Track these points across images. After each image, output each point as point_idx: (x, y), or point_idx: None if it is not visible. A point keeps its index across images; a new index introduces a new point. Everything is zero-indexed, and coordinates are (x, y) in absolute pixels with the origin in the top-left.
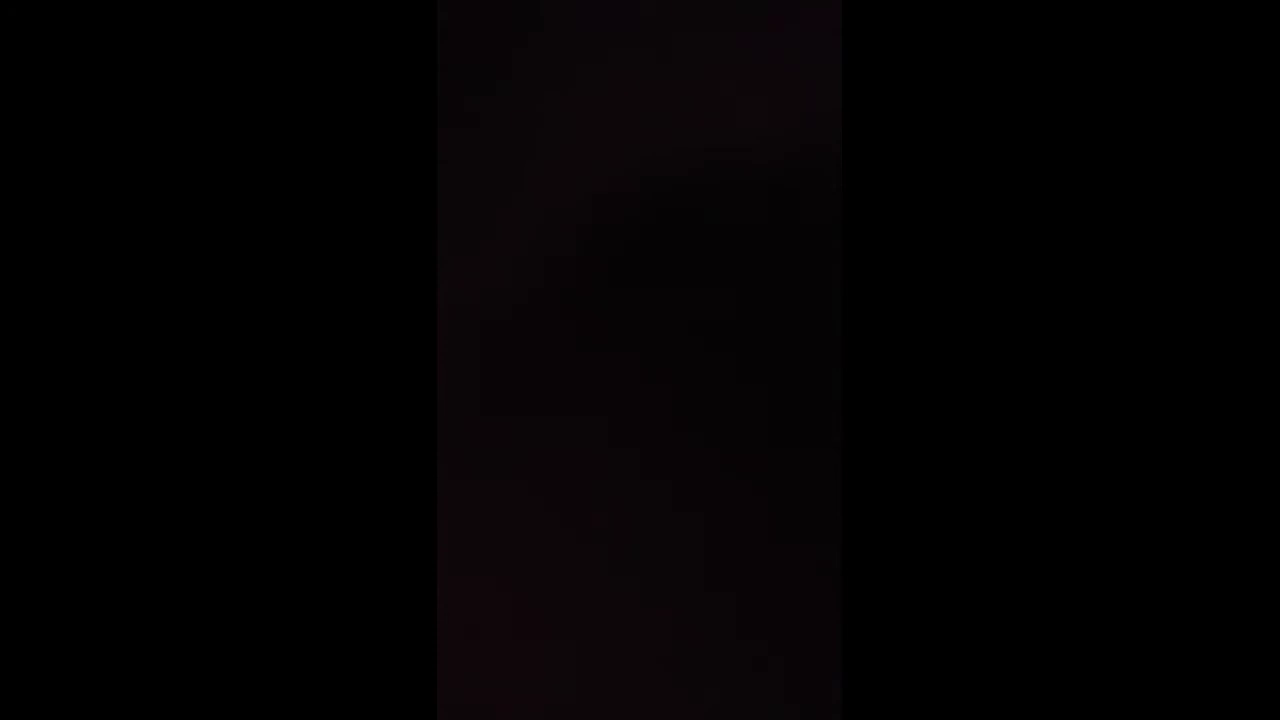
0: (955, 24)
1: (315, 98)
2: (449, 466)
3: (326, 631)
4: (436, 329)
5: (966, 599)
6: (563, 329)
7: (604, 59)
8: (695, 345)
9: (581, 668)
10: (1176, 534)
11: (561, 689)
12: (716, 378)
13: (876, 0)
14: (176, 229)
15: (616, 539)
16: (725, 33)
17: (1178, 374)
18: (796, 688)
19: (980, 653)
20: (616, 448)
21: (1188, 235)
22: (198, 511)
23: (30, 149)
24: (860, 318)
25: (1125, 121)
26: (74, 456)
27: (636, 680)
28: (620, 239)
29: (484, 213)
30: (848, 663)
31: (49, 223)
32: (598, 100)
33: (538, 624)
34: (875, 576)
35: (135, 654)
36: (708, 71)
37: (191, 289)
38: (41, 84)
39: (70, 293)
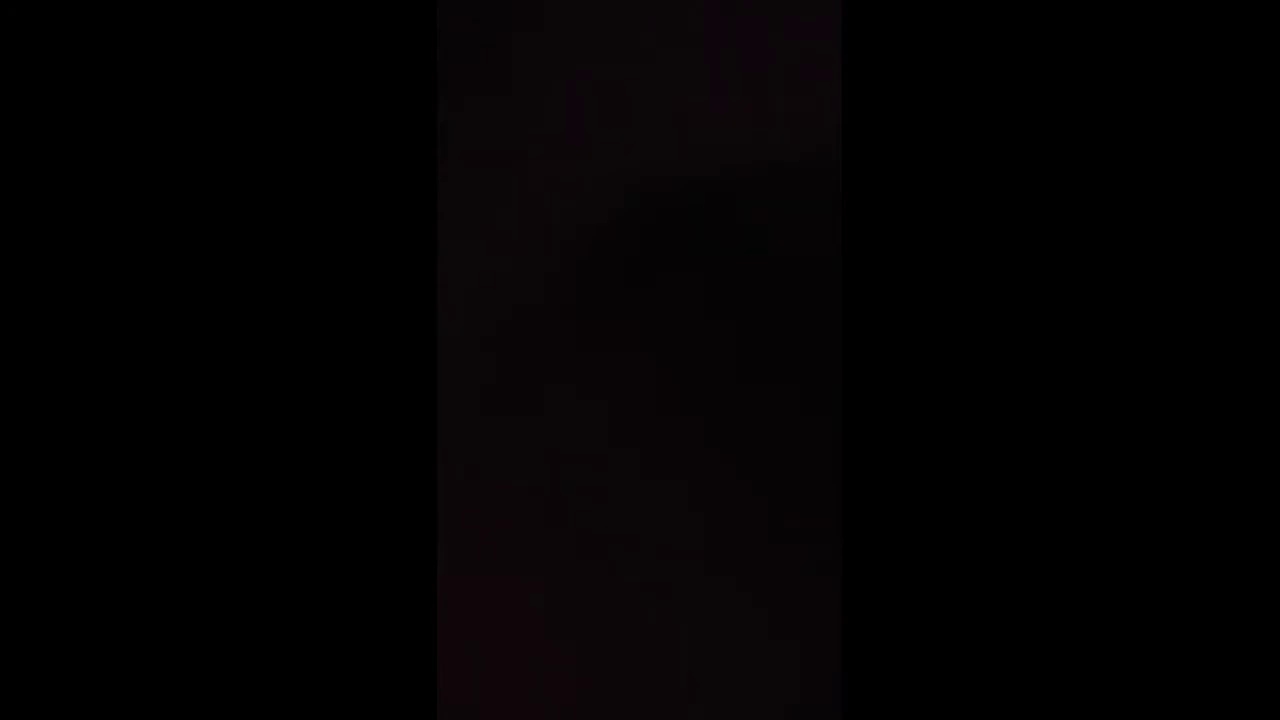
0: (955, 24)
1: (315, 97)
2: (449, 466)
3: (327, 631)
4: (437, 329)
5: (966, 599)
6: (563, 328)
7: (604, 59)
8: (695, 345)
9: (581, 668)
10: (1176, 534)
11: (561, 689)
12: (716, 378)
13: (876, 0)
14: (176, 228)
15: (616, 539)
16: (725, 33)
17: (1178, 374)
18: (796, 688)
19: (980, 653)
20: (617, 448)
21: (1188, 235)
22: (198, 511)
23: (30, 149)
24: (860, 318)
25: (1125, 121)
26: (73, 456)
27: (636, 680)
28: (620, 239)
29: (484, 213)
30: (848, 663)
31: (49, 223)
32: (598, 100)
33: (538, 624)
34: (875, 576)
35: (135, 654)
36: (708, 71)
37: (191, 288)
38: (41, 84)
39: (68, 290)
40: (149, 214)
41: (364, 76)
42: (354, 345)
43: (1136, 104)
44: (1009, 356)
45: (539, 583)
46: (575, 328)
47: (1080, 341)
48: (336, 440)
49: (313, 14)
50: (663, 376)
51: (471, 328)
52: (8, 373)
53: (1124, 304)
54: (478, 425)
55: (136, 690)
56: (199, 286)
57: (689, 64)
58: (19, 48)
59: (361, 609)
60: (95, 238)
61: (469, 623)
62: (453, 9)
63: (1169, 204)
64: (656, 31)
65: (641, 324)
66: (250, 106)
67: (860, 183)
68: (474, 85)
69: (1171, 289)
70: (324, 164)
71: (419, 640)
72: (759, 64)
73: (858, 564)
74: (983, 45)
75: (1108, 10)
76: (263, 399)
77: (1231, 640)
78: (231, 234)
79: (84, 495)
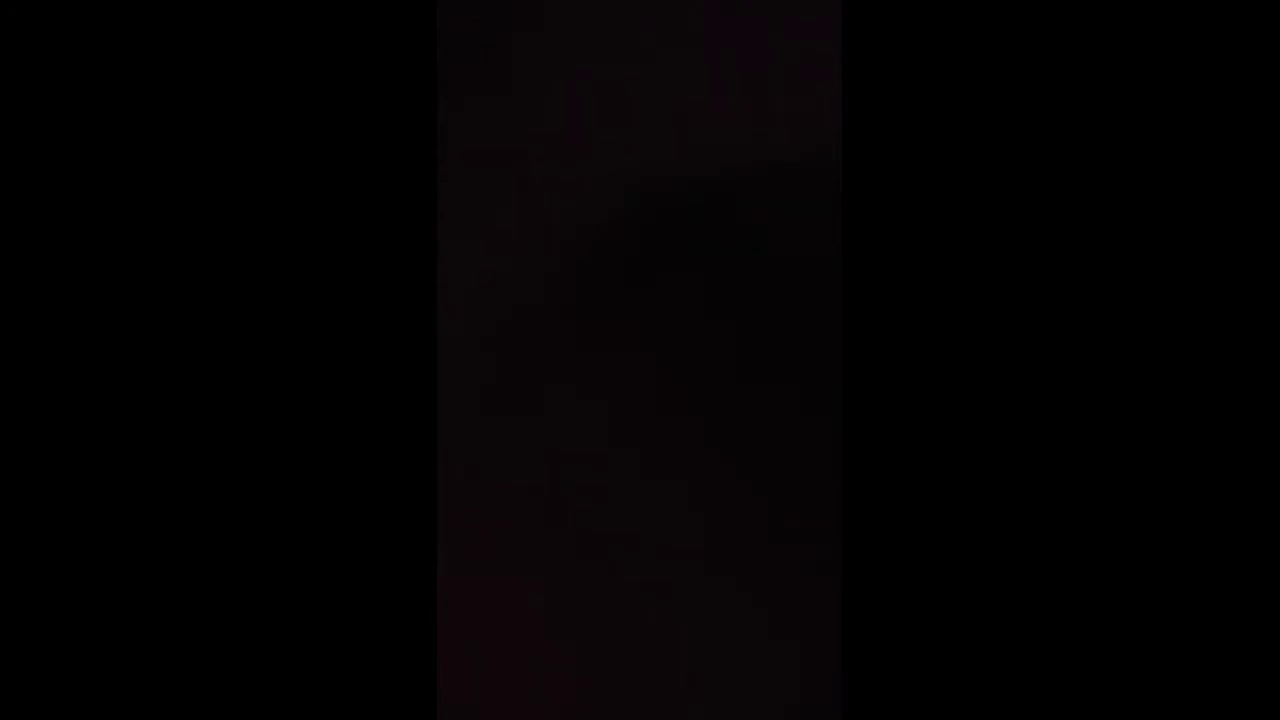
0: (955, 24)
1: (316, 97)
2: (449, 466)
3: (327, 631)
4: (437, 329)
5: (967, 599)
6: (563, 328)
7: (604, 59)
8: (695, 345)
9: (581, 668)
10: (1177, 534)
11: (561, 689)
12: (716, 378)
13: (876, 0)
14: (176, 228)
15: (616, 539)
16: (725, 33)
17: (1178, 374)
18: (796, 688)
19: (980, 653)
20: (616, 448)
21: (1188, 235)
22: (198, 511)
23: (30, 149)
24: (860, 318)
25: (1126, 121)
26: (73, 456)
27: (636, 680)
28: (620, 239)
29: (484, 213)
30: (848, 663)
31: (49, 223)
32: (598, 100)
33: (538, 624)
34: (875, 576)
35: (135, 654)
36: (708, 71)
37: (191, 288)
38: (41, 84)
39: (68, 290)
40: (149, 214)
41: (364, 76)
42: (354, 345)
43: (1136, 104)
44: (1009, 356)
45: (539, 583)
46: (575, 328)
47: (1080, 341)
48: (337, 440)
49: (313, 14)
50: (663, 376)
51: (471, 328)
52: (8, 373)
53: (1124, 304)
54: (478, 425)
55: (137, 690)
56: (199, 286)
57: (689, 64)
58: (19, 48)
59: (362, 609)
60: (95, 238)
61: (469, 623)
62: (453, 9)
63: (1169, 204)
64: (656, 31)
65: (641, 324)
66: (250, 106)
67: (860, 183)
68: (474, 85)
69: (1171, 289)
70: (324, 164)
71: (419, 640)
72: (759, 64)
73: (858, 564)
74: (983, 45)
75: (1108, 10)
76: (263, 399)
77: (1231, 640)
78: (232, 234)
79: (84, 495)
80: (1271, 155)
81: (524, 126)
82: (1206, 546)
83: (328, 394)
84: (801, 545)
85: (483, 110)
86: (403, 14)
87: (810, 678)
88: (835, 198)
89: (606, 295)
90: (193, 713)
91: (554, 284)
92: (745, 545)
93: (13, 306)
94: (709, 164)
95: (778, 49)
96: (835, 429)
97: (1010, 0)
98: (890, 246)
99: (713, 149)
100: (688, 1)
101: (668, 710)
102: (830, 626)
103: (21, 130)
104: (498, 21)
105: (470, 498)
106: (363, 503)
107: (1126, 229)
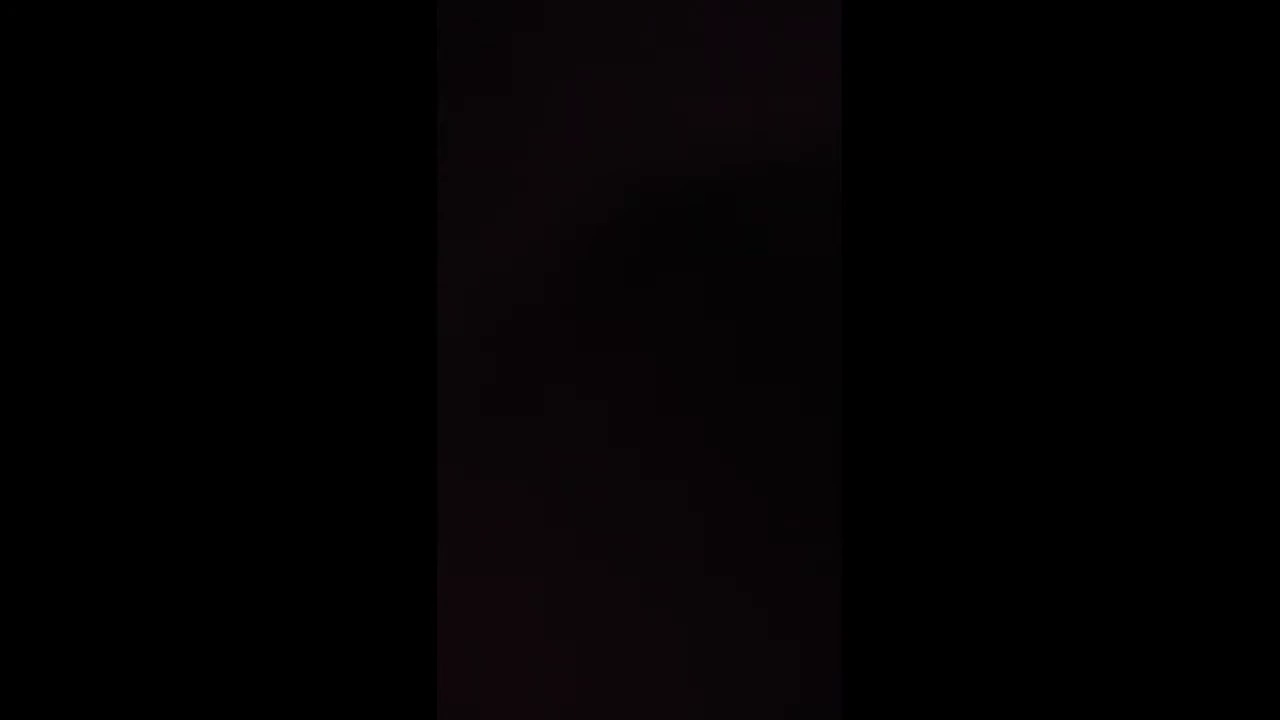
0: (955, 24)
1: (316, 98)
2: (449, 466)
3: (327, 631)
4: (437, 329)
5: (967, 599)
6: (563, 328)
7: (604, 59)
8: (695, 345)
9: (581, 668)
10: (1177, 534)
11: (561, 689)
12: (716, 378)
13: (876, 0)
14: (176, 228)
15: (616, 539)
16: (725, 33)
17: (1178, 374)
18: (796, 688)
19: (980, 653)
20: (617, 448)
21: (1188, 235)
22: (197, 511)
23: (30, 149)
24: (860, 318)
25: (1126, 121)
26: (73, 456)
27: (636, 680)
28: (621, 238)
29: (484, 213)
30: (848, 663)
31: (49, 223)
32: (598, 100)
33: (538, 624)
34: (875, 576)
35: (135, 654)
36: (708, 71)
37: (191, 288)
38: (41, 84)
39: (68, 290)
40: (149, 214)
41: (364, 76)
42: (354, 345)
43: (1136, 104)
44: (1009, 356)
45: (539, 583)
46: (575, 328)
47: (1080, 341)
48: (337, 440)
49: (313, 14)
50: (663, 376)
51: (471, 328)
52: (8, 373)
53: (1124, 304)
54: (478, 425)
55: (137, 690)
56: (199, 286)
57: (689, 64)
58: (19, 48)
59: (362, 609)
60: (95, 238)
61: (469, 623)
62: (453, 9)
63: (1169, 204)
64: (656, 31)
65: (641, 324)
66: (251, 106)
67: (860, 183)
68: (474, 85)
69: (1171, 289)
70: (325, 164)
71: (419, 640)
72: (759, 64)
73: (858, 564)
74: (983, 45)
75: (1108, 10)
76: (263, 399)
77: (1231, 640)
78: (232, 234)
79: (84, 495)
80: (1271, 155)
81: (524, 126)
82: (1206, 546)
83: (328, 394)
84: (801, 545)
85: (483, 110)
86: (403, 14)
87: (810, 678)
88: (835, 198)
89: (606, 295)
90: (193, 713)
91: (554, 284)
92: (745, 545)
93: (13, 306)
94: (709, 164)
95: (778, 49)
96: (835, 429)
97: (1010, 0)
98: (890, 246)
99: (713, 149)
100: (688, 1)
101: (668, 710)
102: (830, 626)
103: (21, 130)
104: (498, 21)
105: (470, 498)
106: (363, 503)
107: (1126, 229)
